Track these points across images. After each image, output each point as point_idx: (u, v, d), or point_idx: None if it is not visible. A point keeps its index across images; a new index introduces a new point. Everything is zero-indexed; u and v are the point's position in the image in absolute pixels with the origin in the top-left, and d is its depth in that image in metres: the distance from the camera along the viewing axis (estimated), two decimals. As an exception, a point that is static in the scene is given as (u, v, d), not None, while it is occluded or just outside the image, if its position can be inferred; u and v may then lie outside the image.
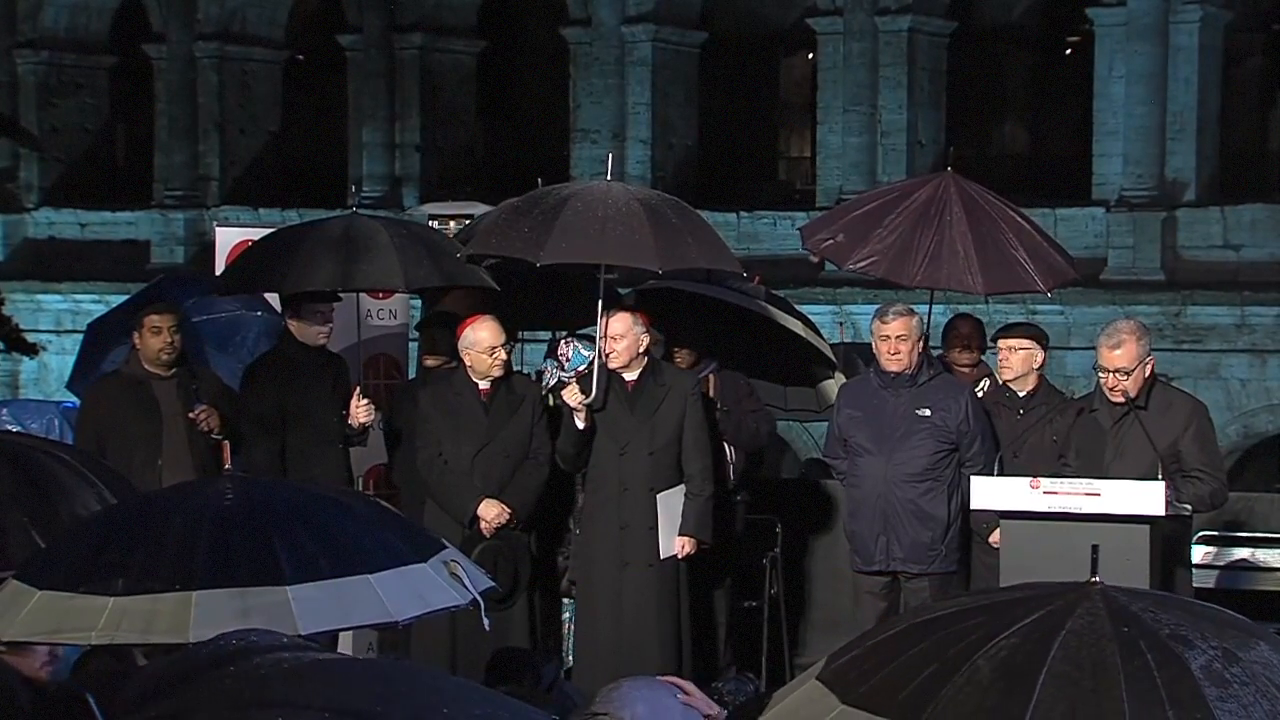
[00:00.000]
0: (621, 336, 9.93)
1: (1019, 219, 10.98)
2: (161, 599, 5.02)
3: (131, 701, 3.24)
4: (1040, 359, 10.52)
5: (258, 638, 3.46)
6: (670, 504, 9.98)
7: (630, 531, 9.95)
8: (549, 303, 11.60)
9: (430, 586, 5.37)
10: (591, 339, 10.97)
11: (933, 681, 3.80)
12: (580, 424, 9.91)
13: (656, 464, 9.99)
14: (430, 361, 11.05)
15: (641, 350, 10.05)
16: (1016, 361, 10.41)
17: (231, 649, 3.37)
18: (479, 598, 5.52)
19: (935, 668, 3.83)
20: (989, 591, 4.78)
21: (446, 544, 5.73)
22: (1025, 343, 10.46)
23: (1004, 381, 10.49)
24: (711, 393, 10.64)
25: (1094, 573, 4.03)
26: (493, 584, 5.94)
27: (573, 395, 9.91)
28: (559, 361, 10.92)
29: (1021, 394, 10.42)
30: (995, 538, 9.72)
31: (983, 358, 11.21)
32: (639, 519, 9.95)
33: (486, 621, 5.75)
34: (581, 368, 10.56)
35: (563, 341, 11.09)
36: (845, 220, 11.01)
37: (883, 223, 10.67)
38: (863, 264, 10.76)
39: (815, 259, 11.94)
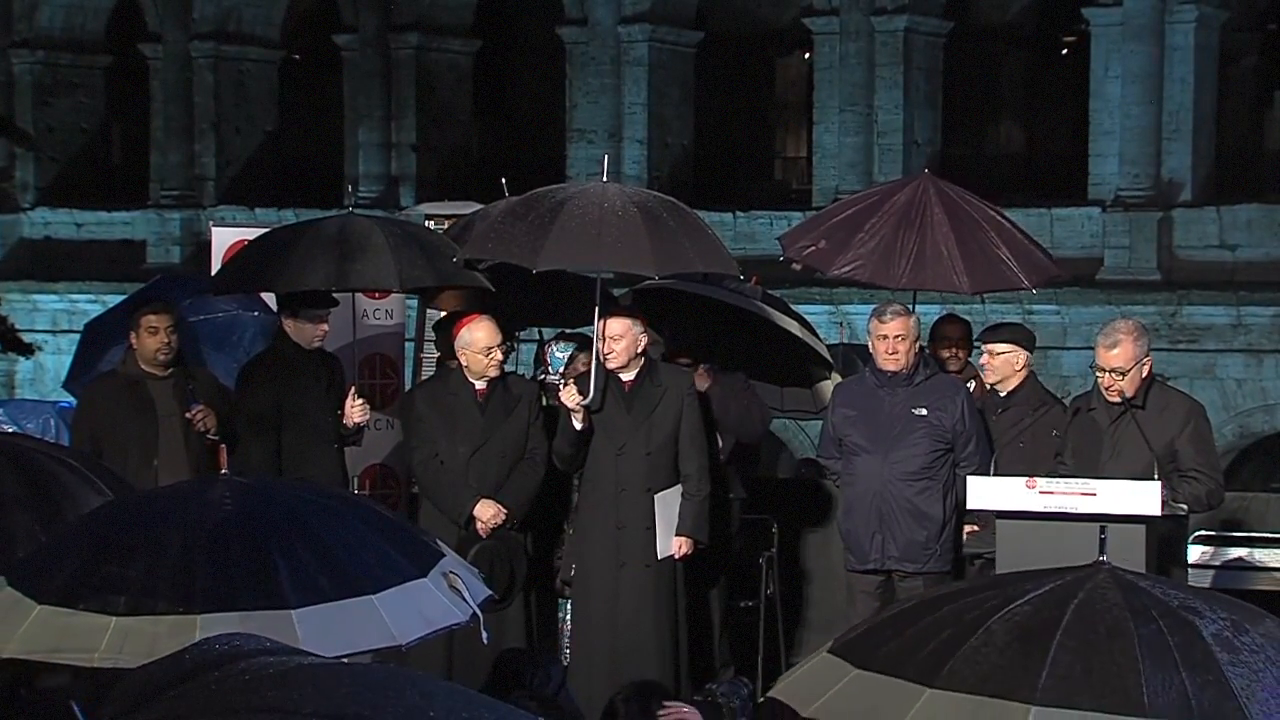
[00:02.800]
0: (620, 337, 9.92)
1: (999, 218, 11.02)
2: (164, 621, 4.96)
3: (118, 708, 3.23)
4: (1023, 360, 10.46)
5: (241, 642, 3.45)
6: (668, 504, 9.98)
7: (627, 532, 9.94)
8: (546, 302, 11.59)
9: (431, 604, 5.32)
10: (572, 338, 11.00)
11: (948, 644, 3.85)
12: (579, 425, 9.90)
13: (653, 464, 9.98)
14: (453, 364, 11.07)
15: (639, 351, 10.06)
16: (998, 364, 10.40)
17: (217, 654, 3.37)
18: (478, 611, 5.49)
19: (950, 632, 3.88)
20: (994, 576, 4.87)
21: (445, 551, 5.68)
22: (1005, 346, 10.44)
23: (989, 383, 10.49)
24: (700, 383, 10.63)
25: (1102, 552, 4.09)
26: (490, 593, 5.90)
27: (571, 396, 9.90)
28: (543, 367, 10.97)
29: (1002, 395, 10.42)
30: (969, 529, 9.82)
31: (970, 360, 11.22)
32: (636, 519, 9.95)
33: (485, 635, 5.71)
34: (562, 369, 10.62)
35: (549, 344, 11.14)
36: (825, 227, 11.06)
37: (864, 227, 10.71)
38: (846, 269, 10.78)
39: (798, 267, 11.94)
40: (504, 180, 11.63)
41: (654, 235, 9.84)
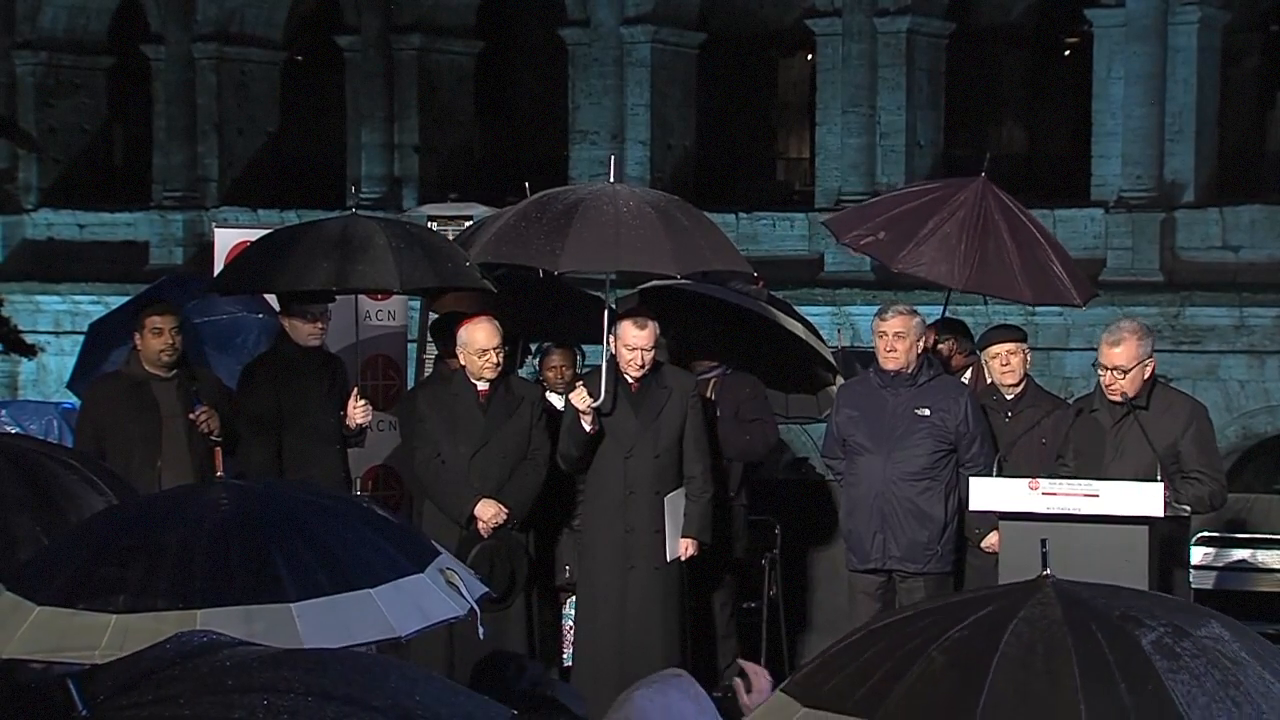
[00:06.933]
0: (650, 347, 9.89)
1: (1047, 231, 11.06)
2: (165, 617, 4.98)
3: (109, 691, 3.25)
4: (1030, 359, 10.58)
5: (216, 636, 3.49)
6: (674, 507, 9.98)
7: (636, 535, 9.93)
8: (554, 317, 11.57)
9: (429, 598, 5.36)
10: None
11: (890, 676, 3.88)
12: (588, 427, 9.89)
13: (661, 467, 9.97)
14: (452, 363, 11.07)
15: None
16: (1018, 364, 10.40)
17: (196, 645, 3.40)
18: (476, 606, 5.52)
19: (891, 664, 3.90)
20: (938, 598, 4.90)
21: (440, 550, 5.74)
22: (1023, 345, 10.49)
23: (1005, 385, 10.44)
24: (710, 393, 10.63)
25: (1045, 566, 4.10)
26: (487, 589, 5.94)
27: (581, 398, 9.87)
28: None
29: (1010, 397, 10.41)
30: (991, 542, 9.72)
31: (968, 356, 11.22)
32: (645, 522, 9.94)
33: (482, 630, 5.74)
34: (541, 374, 10.68)
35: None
36: (883, 218, 10.94)
37: (927, 224, 10.66)
38: (911, 265, 10.73)
39: (853, 252, 11.90)
40: (527, 185, 11.62)
41: (671, 234, 9.86)
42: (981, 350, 10.68)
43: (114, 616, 5.04)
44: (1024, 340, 10.56)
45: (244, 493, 5.61)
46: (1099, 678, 3.74)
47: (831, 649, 4.17)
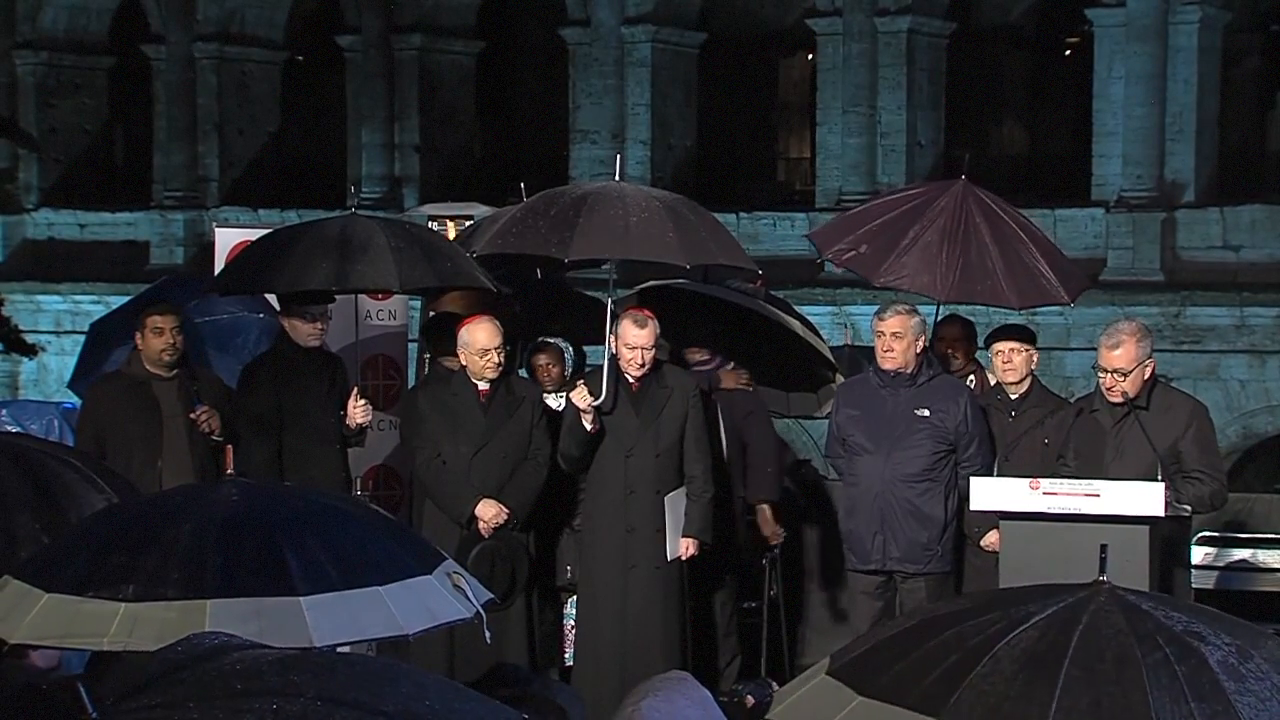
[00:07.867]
0: (651, 347, 9.90)
1: (1033, 228, 10.98)
2: (173, 606, 5.01)
3: (118, 694, 3.25)
4: (1035, 359, 10.51)
5: (228, 638, 3.50)
6: (675, 506, 9.98)
7: (637, 534, 9.93)
8: (553, 312, 11.57)
9: (437, 599, 5.39)
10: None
11: (953, 671, 3.84)
12: (589, 426, 9.88)
13: (662, 466, 9.97)
14: (450, 363, 11.07)
15: (652, 352, 10.08)
16: (1020, 363, 10.35)
17: (207, 647, 3.41)
18: (481, 610, 5.54)
19: (955, 659, 3.87)
20: (994, 592, 4.84)
21: (445, 555, 5.76)
22: (1026, 345, 10.44)
23: (1007, 384, 10.42)
24: (731, 384, 10.67)
25: (1102, 571, 4.08)
26: (491, 596, 5.96)
27: (582, 397, 9.86)
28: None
29: (1014, 396, 10.39)
30: (990, 540, 9.71)
31: (974, 359, 11.19)
32: (646, 522, 9.93)
33: (488, 635, 5.76)
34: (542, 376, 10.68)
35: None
36: (864, 230, 10.85)
37: (907, 234, 10.60)
38: (892, 279, 10.67)
39: (837, 266, 11.85)
40: (522, 185, 11.62)
41: (679, 228, 9.89)
42: (986, 348, 10.66)
43: (123, 605, 5.06)
44: (1030, 341, 10.49)
45: (254, 490, 5.66)
46: (1169, 693, 3.73)
47: (881, 634, 4.14)
